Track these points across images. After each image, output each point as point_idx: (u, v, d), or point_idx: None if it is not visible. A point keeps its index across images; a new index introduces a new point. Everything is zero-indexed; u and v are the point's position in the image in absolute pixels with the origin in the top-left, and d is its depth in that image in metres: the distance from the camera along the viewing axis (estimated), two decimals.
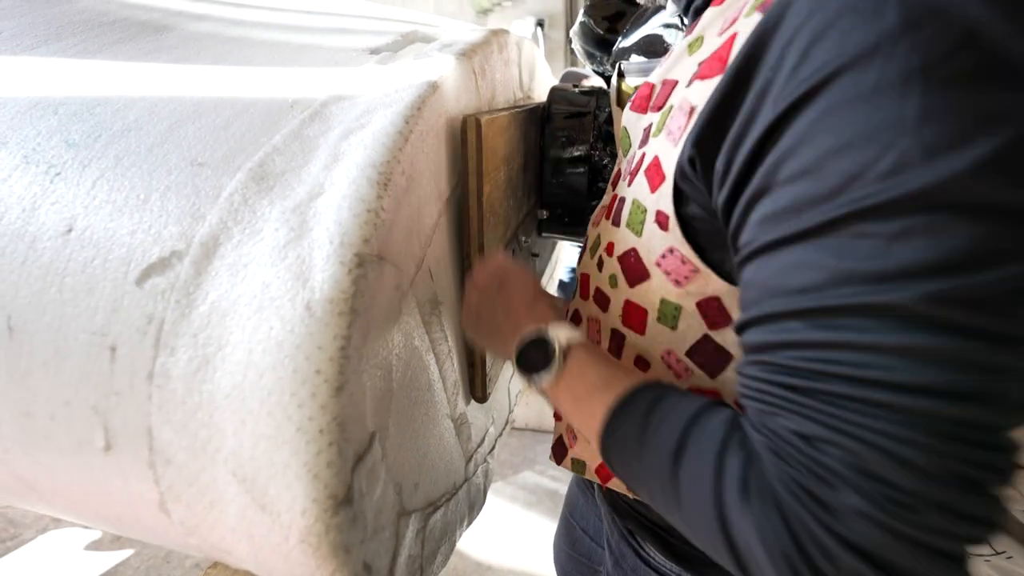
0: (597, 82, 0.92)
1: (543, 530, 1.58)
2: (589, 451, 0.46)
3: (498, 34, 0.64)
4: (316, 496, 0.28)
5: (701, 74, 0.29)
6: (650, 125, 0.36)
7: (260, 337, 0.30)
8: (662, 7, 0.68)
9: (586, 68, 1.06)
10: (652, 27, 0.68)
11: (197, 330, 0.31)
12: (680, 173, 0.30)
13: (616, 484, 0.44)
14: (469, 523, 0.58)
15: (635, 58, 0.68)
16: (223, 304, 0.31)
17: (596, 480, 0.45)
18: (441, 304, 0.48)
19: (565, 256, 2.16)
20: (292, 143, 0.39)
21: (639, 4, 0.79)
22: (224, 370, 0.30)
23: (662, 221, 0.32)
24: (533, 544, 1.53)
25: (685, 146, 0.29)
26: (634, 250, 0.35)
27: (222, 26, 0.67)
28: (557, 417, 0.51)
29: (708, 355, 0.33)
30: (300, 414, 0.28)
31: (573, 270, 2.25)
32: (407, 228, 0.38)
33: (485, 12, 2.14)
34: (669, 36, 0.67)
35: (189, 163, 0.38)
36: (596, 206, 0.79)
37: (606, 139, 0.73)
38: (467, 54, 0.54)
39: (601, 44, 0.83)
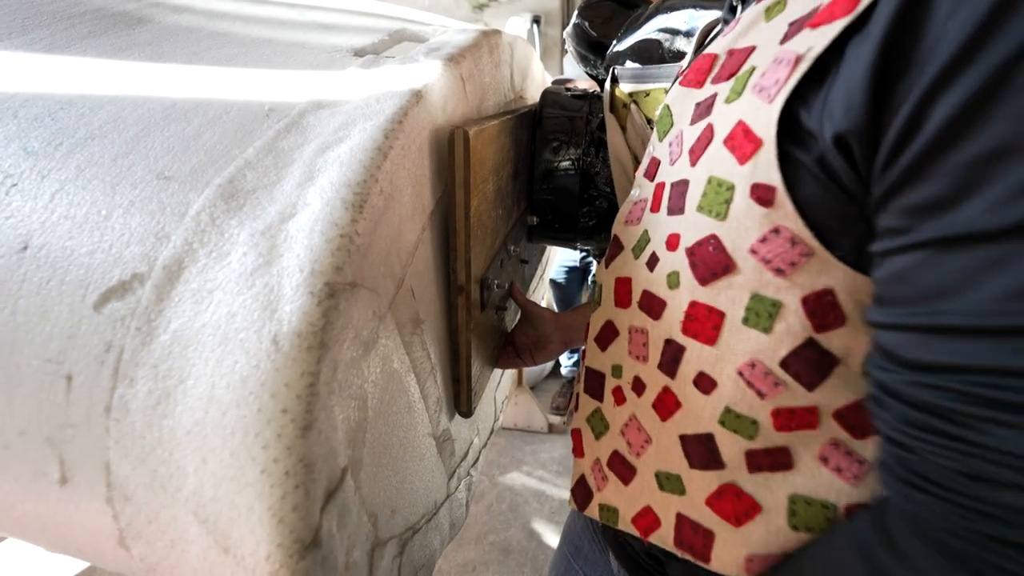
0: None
1: (529, 533, 1.58)
2: (624, 496, 0.39)
3: (489, 35, 0.62)
4: (281, 541, 0.27)
5: (814, 22, 0.25)
6: (711, 97, 0.32)
7: (224, 371, 0.28)
8: (658, 12, 0.66)
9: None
10: (647, 32, 0.66)
11: (158, 361, 0.30)
12: (790, 131, 0.25)
13: (659, 538, 0.36)
14: (450, 539, 0.57)
15: (629, 64, 0.67)
16: (186, 334, 0.29)
17: (633, 531, 0.38)
18: (423, 321, 0.46)
19: (556, 256, 2.14)
20: (265, 157, 0.37)
21: (634, 8, 0.77)
22: (185, 405, 0.29)
23: (763, 196, 0.27)
24: (519, 547, 1.53)
25: (805, 98, 0.25)
26: (714, 237, 0.29)
27: (202, 19, 0.64)
28: (579, 453, 0.44)
29: (809, 363, 0.28)
30: (264, 455, 0.27)
31: (568, 269, 2.23)
32: (385, 249, 0.36)
33: (481, 7, 2.10)
34: (667, 41, 0.65)
35: (155, 176, 0.36)
36: (587, 212, 0.77)
37: (598, 145, 0.72)
38: (455, 59, 0.52)
39: (595, 47, 0.81)
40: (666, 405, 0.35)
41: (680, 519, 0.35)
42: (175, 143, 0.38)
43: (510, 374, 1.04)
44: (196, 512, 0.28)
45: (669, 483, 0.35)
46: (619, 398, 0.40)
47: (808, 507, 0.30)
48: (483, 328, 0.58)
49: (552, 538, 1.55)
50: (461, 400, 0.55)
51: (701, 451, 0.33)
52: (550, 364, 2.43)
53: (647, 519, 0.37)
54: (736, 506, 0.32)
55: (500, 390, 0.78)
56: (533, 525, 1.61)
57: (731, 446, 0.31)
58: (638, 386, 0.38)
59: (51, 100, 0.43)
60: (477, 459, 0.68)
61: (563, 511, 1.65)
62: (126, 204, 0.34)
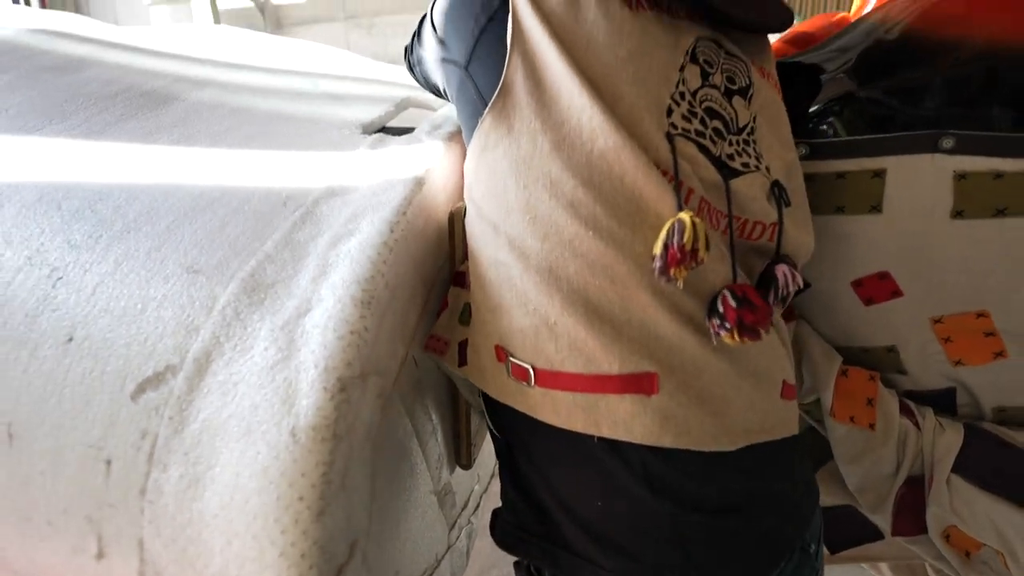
0: None
1: None
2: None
3: None
4: None
5: None
6: None
7: (247, 461, 0.32)
8: None
9: None
10: None
11: (188, 448, 0.33)
12: None
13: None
14: None
15: None
16: (214, 423, 0.33)
17: None
18: (425, 385, 0.50)
19: None
20: (283, 250, 0.41)
21: None
22: (213, 490, 0.32)
23: None
24: None
25: None
26: None
27: (223, 94, 0.70)
28: None
29: None
30: (283, 539, 0.30)
31: None
32: (390, 336, 0.40)
33: None
34: None
35: (185, 270, 0.40)
36: None
37: None
38: (455, 136, 0.56)
39: None
40: None
41: None
42: (202, 235, 0.43)
43: None
44: None
45: None
46: None
47: None
48: None
49: None
50: (461, 454, 0.58)
51: None
52: None
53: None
54: None
55: None
56: None
57: None
58: None
59: (90, 191, 0.47)
60: (478, 505, 0.71)
61: None
62: (160, 298, 0.38)
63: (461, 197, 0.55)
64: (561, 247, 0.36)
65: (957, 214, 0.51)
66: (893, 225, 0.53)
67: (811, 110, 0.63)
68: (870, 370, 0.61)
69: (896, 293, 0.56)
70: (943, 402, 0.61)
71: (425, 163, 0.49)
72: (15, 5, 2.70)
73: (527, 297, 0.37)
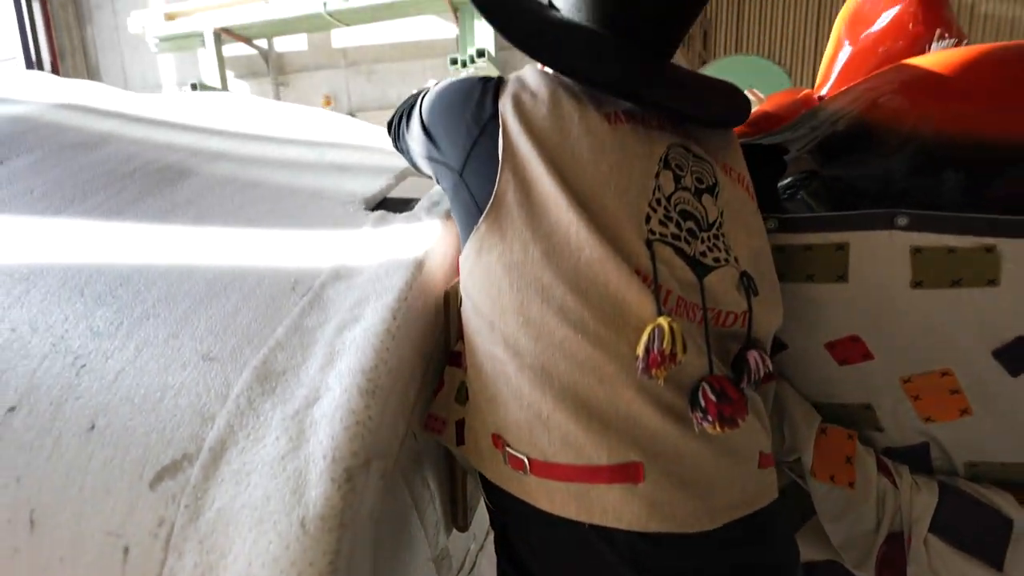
0: None
1: None
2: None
3: None
4: None
5: None
6: None
7: (259, 551, 0.34)
8: None
9: None
10: None
11: (203, 536, 0.35)
12: None
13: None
14: None
15: None
16: (228, 512, 0.36)
17: None
18: (422, 455, 0.52)
19: None
20: (293, 336, 0.44)
21: None
22: None
23: None
24: None
25: None
26: None
27: (235, 167, 0.74)
28: None
29: None
30: None
31: None
32: (394, 417, 0.43)
33: None
34: None
35: (201, 357, 0.43)
36: None
37: None
38: (451, 215, 0.60)
39: None
40: None
41: None
42: (217, 322, 0.46)
43: None
44: None
45: None
46: None
47: None
48: None
49: None
50: (458, 517, 0.60)
51: None
52: None
53: None
54: None
55: None
56: None
57: None
58: None
59: (111, 276, 0.51)
60: (475, 563, 0.72)
61: None
62: (177, 386, 0.41)
63: (456, 273, 0.59)
64: (552, 348, 0.39)
65: (916, 284, 0.55)
66: (859, 293, 0.57)
67: (781, 184, 0.68)
68: (848, 427, 0.64)
69: (867, 355, 0.60)
70: (918, 457, 0.64)
71: (424, 243, 0.53)
72: (33, 71, 2.81)
73: (521, 392, 0.40)
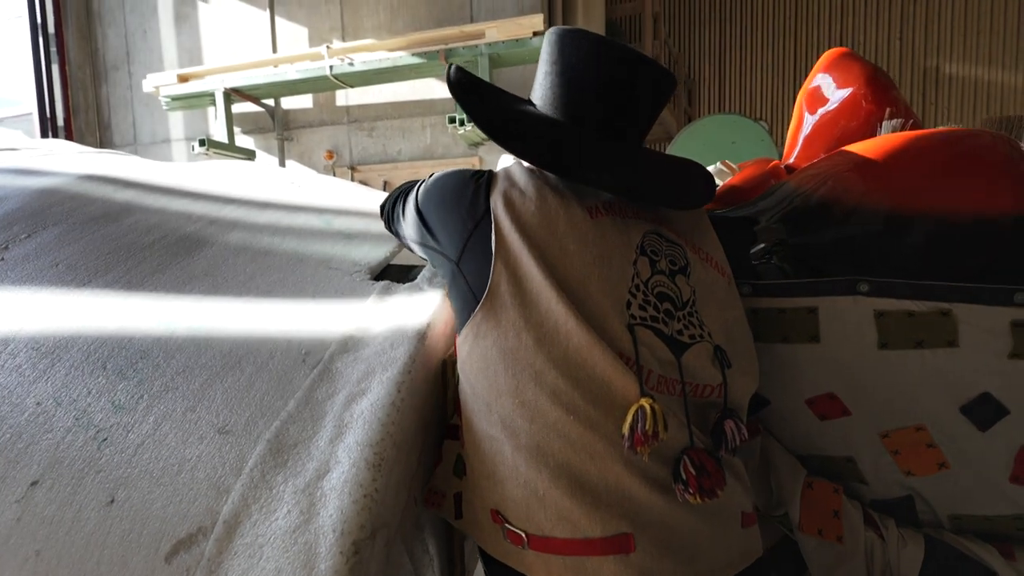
0: None
1: None
2: None
3: None
4: None
5: None
6: None
7: None
8: None
9: None
10: None
11: None
12: None
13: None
14: None
15: None
16: None
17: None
18: (422, 519, 0.54)
19: None
20: (304, 409, 0.47)
21: None
22: None
23: None
24: None
25: None
26: None
27: (249, 236, 0.79)
28: None
29: None
30: None
31: None
32: (398, 487, 0.45)
33: (476, 145, 2.41)
34: None
35: (217, 431, 0.46)
36: None
37: None
38: None
39: None
40: None
41: None
42: (232, 395, 0.49)
43: None
44: None
45: None
46: None
47: None
48: None
49: None
50: None
51: None
52: None
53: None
54: None
55: None
56: None
57: None
58: None
59: (132, 350, 0.54)
60: None
61: None
62: (194, 459, 0.44)
63: (454, 342, 0.63)
64: (547, 429, 0.42)
65: (883, 345, 0.59)
66: (831, 353, 0.61)
67: (756, 250, 0.74)
68: (834, 479, 0.66)
69: (845, 411, 0.63)
70: (904, 509, 0.66)
71: (426, 314, 0.57)
72: (47, 126, 2.93)
73: (518, 471, 0.43)
